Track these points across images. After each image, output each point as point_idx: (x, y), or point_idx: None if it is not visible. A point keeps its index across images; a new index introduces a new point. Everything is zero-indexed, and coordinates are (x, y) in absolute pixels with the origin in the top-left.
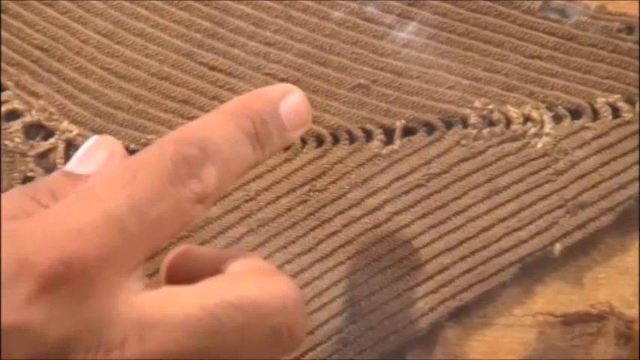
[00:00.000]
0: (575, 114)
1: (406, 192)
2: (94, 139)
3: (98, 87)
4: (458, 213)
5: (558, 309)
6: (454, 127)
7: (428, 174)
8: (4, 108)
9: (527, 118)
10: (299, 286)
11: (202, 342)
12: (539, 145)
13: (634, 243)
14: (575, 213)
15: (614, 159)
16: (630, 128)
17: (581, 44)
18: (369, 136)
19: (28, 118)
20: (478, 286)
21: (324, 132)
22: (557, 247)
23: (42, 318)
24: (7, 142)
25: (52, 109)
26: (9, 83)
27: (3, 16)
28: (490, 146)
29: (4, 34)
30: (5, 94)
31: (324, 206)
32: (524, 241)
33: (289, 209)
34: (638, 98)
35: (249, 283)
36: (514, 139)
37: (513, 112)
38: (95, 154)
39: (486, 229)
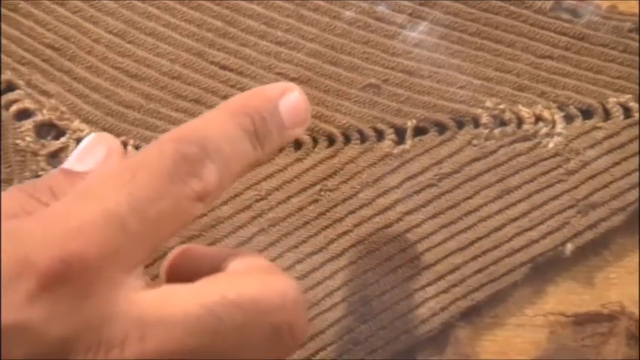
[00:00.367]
0: (587, 114)
1: (417, 192)
2: (91, 136)
3: (109, 86)
4: (469, 213)
5: (569, 309)
6: (465, 126)
7: (439, 174)
8: (15, 107)
9: (538, 118)
10: (310, 285)
11: (202, 340)
12: (551, 145)
13: None
14: (586, 213)
15: (625, 159)
16: None
17: (593, 44)
18: (380, 135)
19: (39, 117)
20: (489, 286)
21: (336, 131)
22: (569, 246)
23: (42, 317)
24: (18, 141)
25: (64, 108)
26: (20, 82)
27: (14, 15)
28: (501, 146)
29: (15, 32)
30: (16, 93)
31: (335, 206)
32: (536, 241)
33: (300, 209)
34: None
35: (248, 280)
36: (525, 138)
37: (525, 111)
38: (93, 152)
39: (498, 228)
